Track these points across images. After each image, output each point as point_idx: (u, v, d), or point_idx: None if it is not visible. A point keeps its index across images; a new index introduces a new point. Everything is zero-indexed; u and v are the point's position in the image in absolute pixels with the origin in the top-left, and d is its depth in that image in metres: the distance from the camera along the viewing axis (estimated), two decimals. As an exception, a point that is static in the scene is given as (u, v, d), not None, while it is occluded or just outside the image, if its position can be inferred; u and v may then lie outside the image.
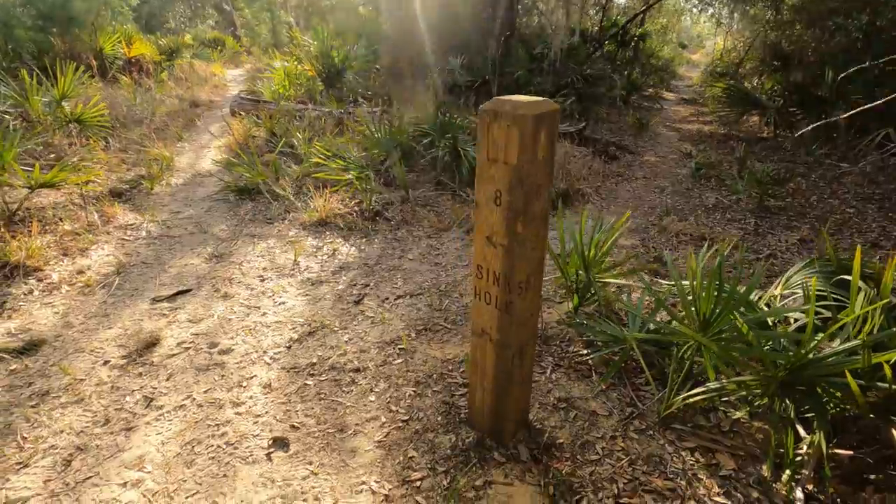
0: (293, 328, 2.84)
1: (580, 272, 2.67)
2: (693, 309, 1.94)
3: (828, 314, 2.02)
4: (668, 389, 2.09)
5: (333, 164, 4.95)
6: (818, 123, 4.21)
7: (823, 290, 2.04)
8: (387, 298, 3.20)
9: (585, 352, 2.58)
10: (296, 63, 10.23)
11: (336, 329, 2.84)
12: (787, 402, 1.83)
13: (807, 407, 1.82)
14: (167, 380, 2.41)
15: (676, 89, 18.41)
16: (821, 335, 1.81)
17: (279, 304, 3.10)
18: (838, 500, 1.70)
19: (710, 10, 20.87)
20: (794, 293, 2.17)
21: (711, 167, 6.38)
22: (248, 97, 8.55)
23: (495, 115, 1.48)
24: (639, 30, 17.24)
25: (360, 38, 11.68)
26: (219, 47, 18.03)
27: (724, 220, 4.77)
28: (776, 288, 2.29)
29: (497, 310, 1.75)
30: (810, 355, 1.67)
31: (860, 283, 1.90)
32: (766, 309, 2.09)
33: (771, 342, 1.88)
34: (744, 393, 1.92)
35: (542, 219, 1.63)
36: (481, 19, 10.87)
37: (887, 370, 1.56)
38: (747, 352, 1.79)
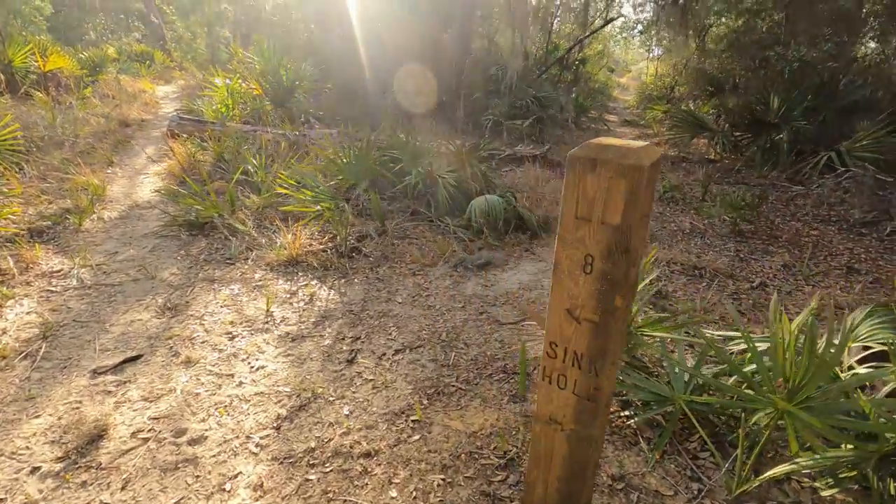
0: (279, 401, 2.36)
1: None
2: (767, 372, 1.72)
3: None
4: (738, 462, 1.84)
5: (300, 195, 4.47)
6: (752, 147, 4.30)
7: None
8: (384, 354, 2.78)
9: (625, 413, 2.30)
10: (240, 81, 9.56)
11: (332, 398, 2.39)
12: (890, 478, 1.63)
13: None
14: (122, 489, 1.86)
15: (615, 111, 19.15)
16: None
17: (257, 369, 2.60)
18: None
19: (641, 37, 22.17)
20: (867, 346, 2.01)
21: (676, 190, 6.47)
22: (189, 117, 7.80)
23: (593, 163, 1.17)
24: (579, 54, 17.95)
25: (308, 57, 11.18)
26: (147, 62, 16.77)
27: (705, 247, 4.76)
28: (780, 326, 2.13)
29: (575, 396, 1.43)
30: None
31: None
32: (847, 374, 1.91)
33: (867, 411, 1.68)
34: (829, 465, 1.70)
35: (635, 287, 1.33)
36: (435, 42, 10.74)
37: None
38: (857, 425, 1.58)
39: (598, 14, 21.51)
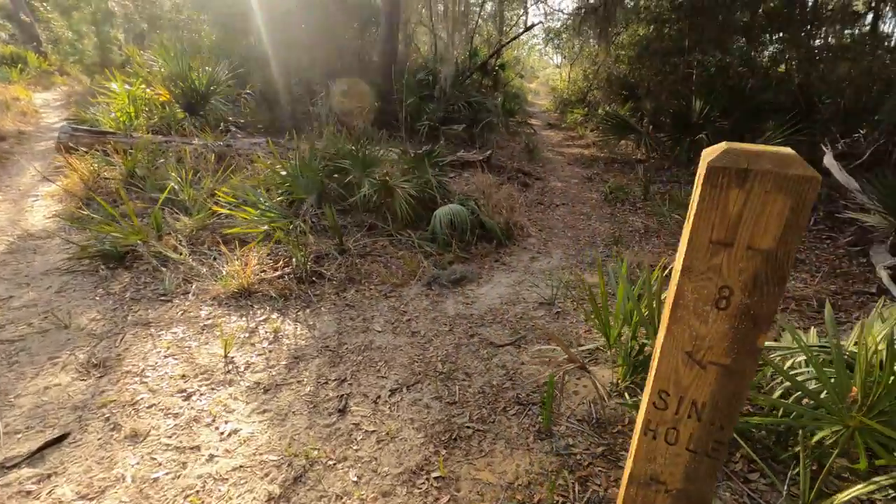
0: (267, 474, 1.91)
1: (647, 342, 2.23)
2: (834, 388, 1.61)
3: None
4: (803, 484, 1.72)
5: (244, 214, 3.90)
6: (676, 146, 4.48)
7: None
8: (378, 397, 2.40)
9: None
10: (143, 86, 8.47)
11: (332, 462, 1.99)
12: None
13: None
14: None
15: (535, 115, 19.73)
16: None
17: (229, 434, 2.11)
18: None
19: (553, 44, 23.14)
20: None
21: (620, 190, 6.63)
22: (84, 127, 6.72)
23: (743, 175, 0.94)
24: (498, 60, 18.32)
25: (220, 60, 10.23)
26: (19, 65, 14.58)
27: (664, 246, 4.84)
28: (865, 338, 2.11)
29: (689, 452, 1.20)
30: None
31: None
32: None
33: None
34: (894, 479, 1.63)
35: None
36: (360, 46, 10.30)
37: None
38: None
39: (514, 20, 22.14)
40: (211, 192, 4.48)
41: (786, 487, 1.85)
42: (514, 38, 16.51)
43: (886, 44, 9.22)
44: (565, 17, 20.01)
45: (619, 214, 5.93)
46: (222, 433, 2.11)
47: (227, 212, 3.98)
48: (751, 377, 1.08)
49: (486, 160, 7.55)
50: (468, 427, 2.21)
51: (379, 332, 3.02)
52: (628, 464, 1.33)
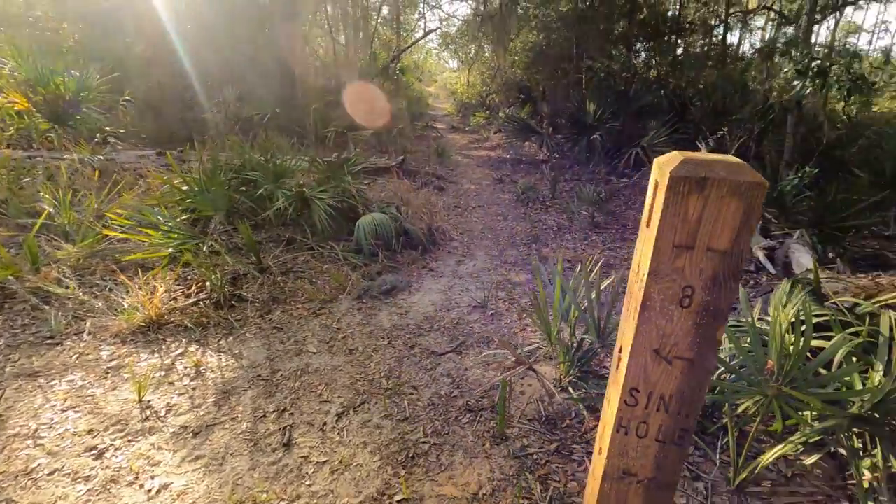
0: (211, 530, 1.72)
1: (585, 337, 2.34)
2: (754, 361, 1.81)
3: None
4: (732, 453, 1.92)
5: (142, 237, 3.48)
6: (575, 147, 4.90)
7: (826, 314, 2.19)
8: (325, 424, 2.27)
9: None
10: (-10, 92, 7.24)
11: (285, 502, 1.83)
12: (854, 436, 1.85)
13: (870, 435, 1.87)
14: None
15: (438, 119, 20.07)
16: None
17: (158, 491, 1.86)
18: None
19: (450, 49, 23.67)
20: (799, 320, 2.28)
21: (531, 190, 6.95)
22: (-85, 143, 5.59)
23: (702, 183, 1.01)
24: (398, 64, 18.37)
25: (89, 63, 9.06)
26: None
27: (577, 241, 5.15)
28: (777, 313, 2.37)
29: (658, 442, 1.27)
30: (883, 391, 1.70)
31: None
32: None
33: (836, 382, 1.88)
34: (808, 437, 1.87)
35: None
36: (258, 50, 9.72)
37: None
38: (843, 394, 1.74)
39: (412, 25, 22.29)
40: (98, 213, 3.95)
41: (718, 457, 2.04)
42: (415, 43, 16.64)
43: (736, 54, 10.69)
44: (460, 22, 20.59)
45: (532, 213, 6.22)
46: (150, 491, 1.86)
47: (122, 235, 3.53)
48: (712, 367, 1.18)
49: (399, 165, 7.51)
50: (424, 442, 2.16)
51: (314, 353, 2.86)
52: (599, 461, 1.38)
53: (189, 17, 9.50)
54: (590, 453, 2.11)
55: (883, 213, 4.50)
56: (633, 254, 1.26)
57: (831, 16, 11.91)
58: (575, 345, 2.44)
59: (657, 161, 1.14)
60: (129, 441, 2.09)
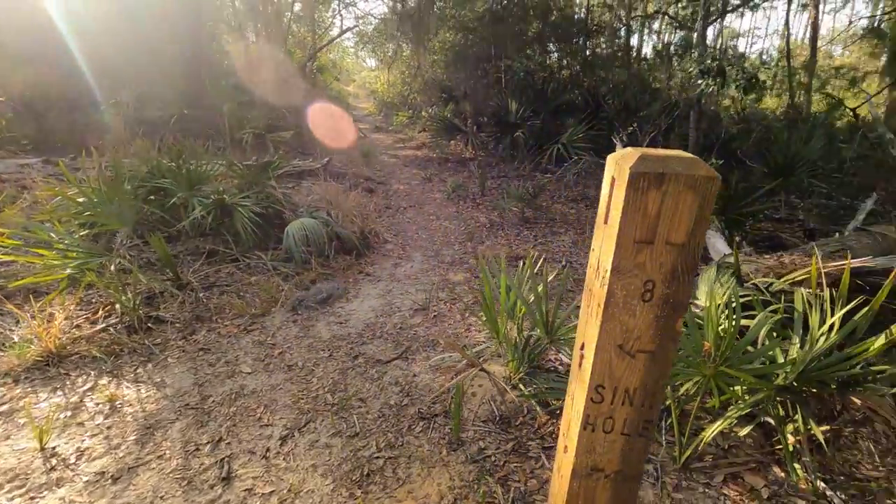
0: (144, 589, 1.51)
1: (533, 333, 2.35)
2: (692, 345, 1.91)
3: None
4: (676, 433, 2.02)
5: (35, 259, 3.03)
6: (499, 144, 5.08)
7: (748, 295, 2.36)
8: (268, 450, 2.10)
9: (550, 419, 2.28)
10: None
11: (229, 545, 1.66)
12: (779, 405, 2.01)
13: (791, 403, 2.04)
14: None
15: (360, 119, 19.68)
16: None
17: (74, 552, 1.61)
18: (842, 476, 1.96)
19: (368, 48, 23.32)
20: (729, 303, 2.44)
21: (461, 188, 6.98)
22: None
23: (660, 178, 1.02)
24: (315, 63, 17.78)
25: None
26: None
27: (511, 237, 5.24)
28: (706, 300, 2.52)
29: (624, 436, 1.28)
30: (804, 363, 1.86)
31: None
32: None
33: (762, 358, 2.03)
34: (741, 410, 2.01)
35: (680, 306, 1.25)
36: (159, 46, 8.92)
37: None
38: (768, 368, 1.88)
39: (327, 22, 21.67)
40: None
41: (664, 438, 2.14)
42: (332, 41, 16.17)
43: (640, 55, 11.48)
44: (377, 21, 20.32)
45: (464, 211, 6.25)
46: (63, 553, 1.60)
47: (6, 258, 3.05)
48: (672, 358, 1.20)
49: (324, 167, 7.24)
50: (378, 457, 2.06)
51: (249, 373, 2.64)
52: (566, 459, 1.37)
53: (82, 8, 8.50)
54: (545, 448, 2.12)
55: (775, 199, 5.03)
56: (591, 250, 1.26)
57: (717, 21, 13.16)
58: (523, 342, 2.46)
59: (612, 157, 1.14)
60: (33, 498, 1.80)
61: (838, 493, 1.85)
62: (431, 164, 9.36)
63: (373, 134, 14.52)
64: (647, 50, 14.97)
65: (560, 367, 2.65)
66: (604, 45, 13.02)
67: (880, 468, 2.00)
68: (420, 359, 2.83)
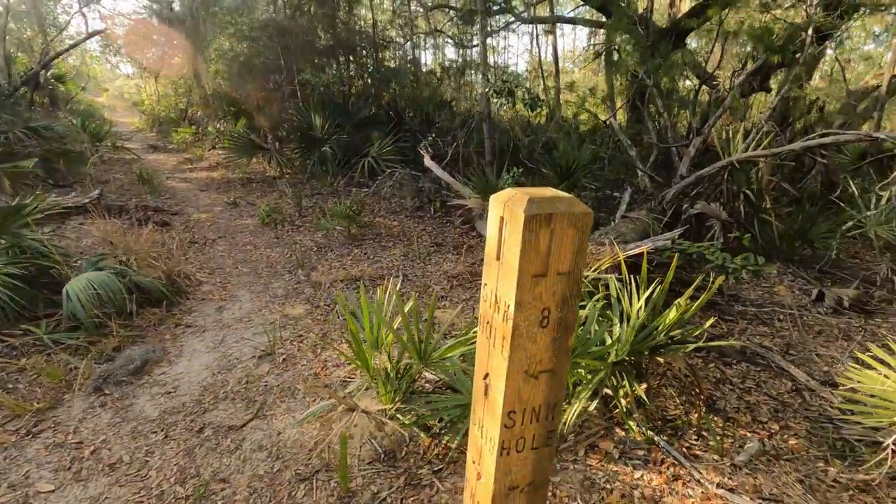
0: None
1: (407, 362, 2.32)
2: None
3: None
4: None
5: None
6: (307, 160, 5.14)
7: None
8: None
9: (444, 441, 2.32)
10: None
11: None
12: (614, 378, 2.41)
13: (620, 373, 2.47)
14: None
15: (127, 137, 16.75)
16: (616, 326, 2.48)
17: None
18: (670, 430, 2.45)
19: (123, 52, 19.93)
20: None
21: (276, 211, 6.51)
22: None
23: (549, 218, 1.12)
24: (52, 71, 14.51)
25: None
26: None
27: (342, 257, 5.11)
28: None
29: (533, 451, 1.37)
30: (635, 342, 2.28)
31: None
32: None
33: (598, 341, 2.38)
34: (589, 389, 2.36)
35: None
36: None
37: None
38: (601, 350, 2.23)
39: (58, 20, 17.81)
40: None
41: (533, 429, 2.36)
42: (76, 45, 13.35)
43: (430, 70, 12.35)
44: (130, 22, 17.49)
45: (285, 236, 5.86)
46: None
47: None
48: (566, 370, 1.34)
49: (96, 202, 5.94)
50: (262, 542, 1.81)
51: (52, 491, 2.03)
52: (483, 485, 1.42)
53: None
54: (436, 472, 2.15)
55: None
56: (482, 287, 1.32)
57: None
58: (394, 371, 2.43)
59: (497, 198, 1.21)
60: None
61: (661, 437, 2.31)
62: (233, 187, 8.50)
63: (149, 155, 12.47)
64: (432, 64, 16.15)
65: (427, 385, 2.70)
66: (392, 60, 13.62)
67: (679, 406, 2.57)
68: (280, 413, 2.56)
